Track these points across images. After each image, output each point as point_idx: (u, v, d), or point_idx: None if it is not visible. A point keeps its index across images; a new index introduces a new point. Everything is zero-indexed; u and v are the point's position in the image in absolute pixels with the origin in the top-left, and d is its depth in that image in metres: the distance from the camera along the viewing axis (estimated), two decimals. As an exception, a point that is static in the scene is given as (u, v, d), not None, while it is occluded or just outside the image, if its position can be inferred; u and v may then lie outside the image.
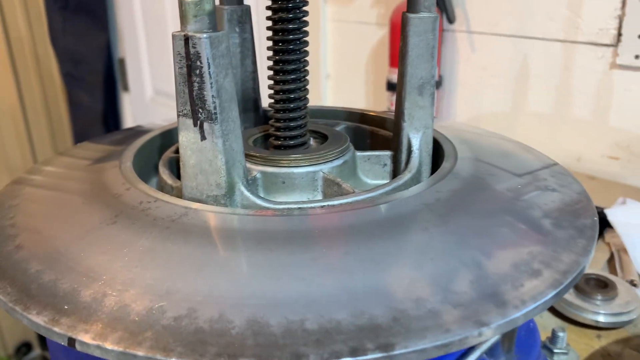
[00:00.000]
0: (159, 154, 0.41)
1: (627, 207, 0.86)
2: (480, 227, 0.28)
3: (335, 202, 0.30)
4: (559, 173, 0.38)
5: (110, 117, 2.38)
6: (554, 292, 0.25)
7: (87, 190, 0.33)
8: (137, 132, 0.46)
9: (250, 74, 0.42)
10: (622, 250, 0.77)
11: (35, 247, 0.28)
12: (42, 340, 2.55)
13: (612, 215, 0.82)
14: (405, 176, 0.34)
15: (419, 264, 0.24)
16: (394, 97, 1.11)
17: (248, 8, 0.41)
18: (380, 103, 1.39)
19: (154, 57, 2.17)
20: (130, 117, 2.43)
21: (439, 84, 1.25)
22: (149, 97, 2.27)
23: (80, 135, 2.38)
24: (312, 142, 0.40)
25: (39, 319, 0.24)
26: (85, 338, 0.23)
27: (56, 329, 0.23)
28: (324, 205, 0.30)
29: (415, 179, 0.35)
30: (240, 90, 0.42)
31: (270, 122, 0.38)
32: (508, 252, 0.27)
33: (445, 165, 0.34)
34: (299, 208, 0.30)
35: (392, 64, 1.24)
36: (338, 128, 0.44)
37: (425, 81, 0.35)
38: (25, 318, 0.24)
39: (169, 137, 0.42)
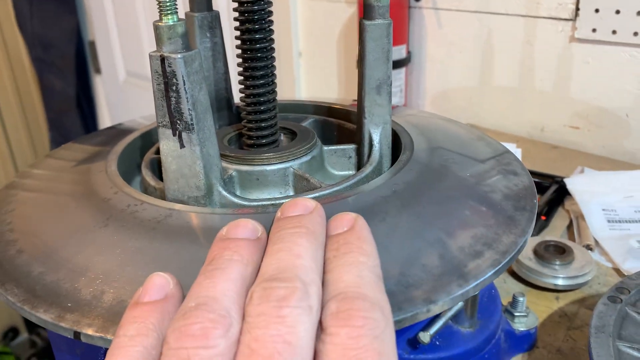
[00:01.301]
0: (141, 154, 0.44)
1: (584, 176, 0.91)
2: (430, 216, 0.32)
3: (304, 197, 0.34)
4: (508, 161, 0.42)
5: (84, 101, 2.37)
6: (492, 271, 0.29)
7: (79, 194, 0.36)
8: (120, 131, 0.49)
9: (222, 75, 0.45)
10: (580, 216, 0.82)
11: (35, 251, 0.32)
12: (29, 325, 2.57)
13: (571, 184, 0.87)
14: (367, 169, 0.38)
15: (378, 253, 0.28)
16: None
17: (217, 14, 0.44)
18: (352, 79, 1.42)
19: (125, 39, 2.16)
20: (103, 100, 2.42)
21: (407, 59, 1.28)
22: (122, 79, 2.26)
23: (54, 120, 2.37)
24: (282, 137, 0.44)
25: (47, 316, 0.27)
26: (89, 331, 0.26)
27: (62, 324, 0.27)
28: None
29: (377, 171, 0.39)
30: (214, 90, 0.46)
31: (243, 122, 0.41)
32: (455, 235, 0.32)
33: (402, 158, 0.38)
34: (272, 204, 0.34)
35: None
36: (307, 122, 0.47)
37: (382, 82, 0.38)
38: (34, 316, 0.28)
39: (148, 138, 0.45)
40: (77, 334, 0.26)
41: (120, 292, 0.28)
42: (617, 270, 0.72)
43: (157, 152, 0.42)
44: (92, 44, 2.33)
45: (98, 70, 2.37)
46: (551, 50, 1.09)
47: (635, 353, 0.48)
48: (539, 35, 1.09)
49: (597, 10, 1.00)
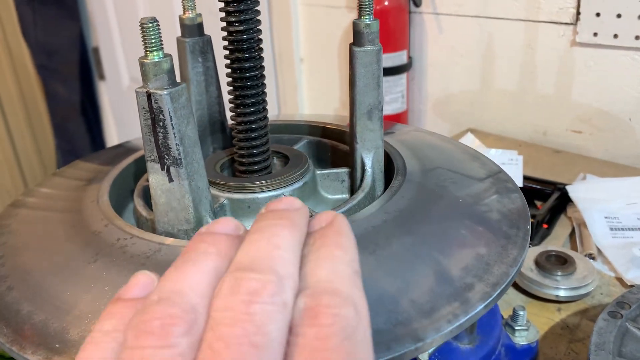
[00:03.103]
0: (135, 179, 0.44)
1: (587, 182, 0.91)
2: (420, 246, 0.32)
3: (294, 228, 0.34)
4: (502, 181, 0.42)
5: (89, 107, 2.38)
6: (482, 305, 0.29)
7: (69, 225, 0.36)
8: (126, 149, 0.49)
9: (215, 99, 0.45)
10: (583, 224, 0.82)
11: (24, 288, 0.32)
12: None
13: (573, 191, 0.86)
14: (359, 195, 0.38)
15: (366, 287, 0.28)
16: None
17: (209, 38, 0.44)
18: (353, 86, 1.42)
19: (128, 45, 2.17)
20: (108, 106, 2.43)
21: (409, 65, 1.27)
22: (126, 85, 2.27)
23: (59, 126, 2.38)
24: (275, 161, 0.43)
25: (34, 358, 0.27)
26: (77, 374, 0.26)
27: (51, 367, 0.27)
28: (284, 232, 0.34)
29: (370, 196, 0.39)
30: (207, 114, 0.45)
31: (235, 148, 0.41)
32: (445, 268, 0.31)
33: (394, 183, 0.38)
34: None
35: (363, 48, 1.26)
36: (300, 143, 0.47)
37: (373, 107, 0.38)
38: (22, 357, 0.28)
39: (142, 163, 0.45)
40: (64, 377, 0.26)
41: (109, 333, 0.28)
42: (620, 280, 0.72)
43: (150, 179, 0.42)
44: (96, 50, 2.33)
45: (102, 77, 2.38)
46: (552, 54, 1.08)
47: (635, 371, 0.47)
48: (540, 39, 1.09)
49: (598, 14, 0.99)
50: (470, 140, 1.09)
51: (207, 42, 0.44)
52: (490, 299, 0.30)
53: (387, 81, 1.23)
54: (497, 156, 0.99)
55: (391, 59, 1.22)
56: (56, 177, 0.46)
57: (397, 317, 0.28)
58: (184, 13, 0.42)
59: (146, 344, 0.20)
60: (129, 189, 0.43)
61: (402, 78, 1.26)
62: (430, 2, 1.22)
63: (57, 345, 0.28)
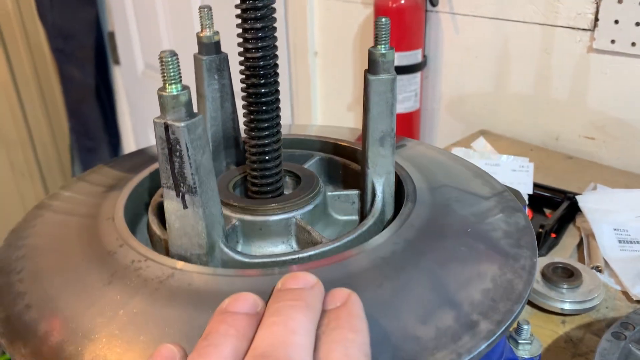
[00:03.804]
0: (149, 194, 0.45)
1: (597, 193, 0.91)
2: (427, 280, 0.33)
3: (304, 255, 0.35)
4: (507, 200, 0.43)
5: (103, 91, 2.39)
6: (486, 343, 0.30)
7: (86, 243, 0.37)
8: (148, 157, 0.50)
9: (229, 115, 0.46)
10: (591, 235, 0.82)
11: (42, 308, 0.33)
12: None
13: (582, 201, 0.86)
14: (369, 221, 0.39)
15: (372, 322, 0.29)
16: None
17: (225, 56, 0.44)
18: (367, 82, 1.42)
19: (144, 30, 2.17)
20: (122, 91, 2.44)
21: (423, 64, 1.27)
22: (140, 70, 2.28)
23: (74, 109, 2.40)
24: (287, 180, 0.44)
25: (51, 381, 0.28)
26: (92, 402, 0.27)
27: (66, 392, 0.28)
28: (295, 259, 0.35)
29: (380, 221, 0.40)
30: (222, 130, 0.46)
31: (248, 169, 0.41)
32: (451, 303, 0.32)
33: (404, 210, 0.39)
34: (275, 262, 0.34)
35: (377, 45, 1.26)
36: (312, 161, 0.48)
37: (386, 134, 0.39)
38: (40, 380, 0.29)
39: (156, 178, 0.46)
40: (79, 403, 0.28)
41: (122, 359, 0.29)
42: (626, 294, 0.72)
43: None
44: (112, 35, 2.34)
45: (117, 61, 2.39)
46: (568, 59, 1.07)
47: (636, 394, 0.48)
48: (557, 44, 1.08)
49: (616, 22, 0.98)
50: (482, 145, 1.09)
51: (224, 60, 0.44)
52: (495, 336, 0.30)
53: (401, 79, 1.23)
54: (509, 163, 0.99)
55: (406, 58, 1.22)
56: (80, 182, 0.47)
57: (402, 355, 0.29)
58: (202, 31, 0.43)
59: None
60: (144, 202, 0.44)
61: (416, 77, 1.26)
62: (447, 2, 1.21)
63: (73, 370, 0.29)
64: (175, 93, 0.31)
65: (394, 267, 0.34)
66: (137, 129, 2.48)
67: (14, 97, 2.38)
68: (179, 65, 0.31)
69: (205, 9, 0.42)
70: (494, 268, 0.35)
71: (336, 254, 0.35)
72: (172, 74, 0.30)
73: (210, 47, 0.43)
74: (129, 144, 2.58)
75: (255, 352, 0.25)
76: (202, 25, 0.43)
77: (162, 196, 0.42)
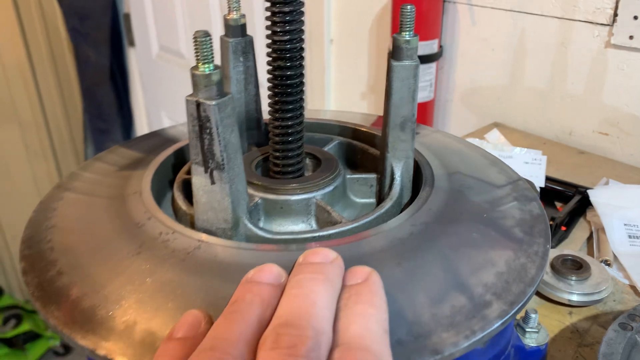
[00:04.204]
0: (173, 171, 0.46)
1: (608, 188, 0.91)
2: (443, 261, 0.34)
3: (324, 233, 0.36)
4: (521, 188, 0.44)
5: (117, 73, 2.41)
6: (499, 322, 0.31)
7: (114, 216, 0.39)
8: (163, 139, 0.51)
9: (253, 97, 0.47)
10: (601, 229, 0.83)
11: (74, 274, 0.34)
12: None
13: (594, 195, 0.87)
14: (387, 204, 0.40)
15: (390, 299, 0.30)
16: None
17: (251, 39, 0.45)
18: (381, 69, 1.42)
19: (159, 13, 2.18)
20: (137, 73, 2.46)
21: (439, 54, 1.27)
22: (155, 53, 2.29)
23: (88, 90, 2.42)
24: (307, 161, 0.45)
25: (84, 343, 0.30)
26: (123, 360, 0.29)
27: (98, 352, 0.29)
28: (315, 237, 0.36)
29: (397, 204, 0.41)
30: (245, 111, 0.47)
31: (271, 150, 0.43)
32: (467, 284, 0.33)
33: (422, 194, 0.40)
34: (295, 240, 0.36)
35: (395, 32, 1.26)
36: (331, 144, 0.49)
37: (407, 119, 0.40)
38: (72, 341, 0.30)
39: (181, 155, 0.47)
40: (110, 362, 0.29)
41: (151, 324, 0.30)
42: (634, 288, 0.73)
43: (189, 172, 0.44)
44: (127, 17, 2.35)
45: (132, 43, 2.40)
46: (585, 54, 1.07)
47: (640, 383, 0.49)
48: (574, 38, 1.08)
49: (635, 17, 0.98)
50: (495, 137, 1.09)
51: (249, 43, 0.45)
52: (507, 316, 0.32)
53: (416, 69, 1.23)
54: (522, 155, 1.00)
55: (422, 47, 1.22)
56: (97, 162, 0.48)
57: (418, 330, 0.30)
58: (229, 14, 0.44)
59: None
60: (168, 179, 0.46)
61: (432, 67, 1.26)
62: (465, -7, 1.21)
63: (104, 333, 0.30)
64: (207, 72, 0.32)
65: (411, 248, 0.35)
66: (150, 111, 2.50)
67: (30, 77, 2.40)
68: (212, 46, 0.32)
69: (233, -8, 0.43)
70: (508, 253, 0.36)
71: (355, 234, 0.36)
72: (205, 54, 0.31)
73: (236, 30, 0.44)
74: (142, 126, 2.60)
75: (278, 320, 0.26)
76: (229, 8, 0.44)
77: (187, 173, 0.44)
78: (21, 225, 0.40)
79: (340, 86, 1.58)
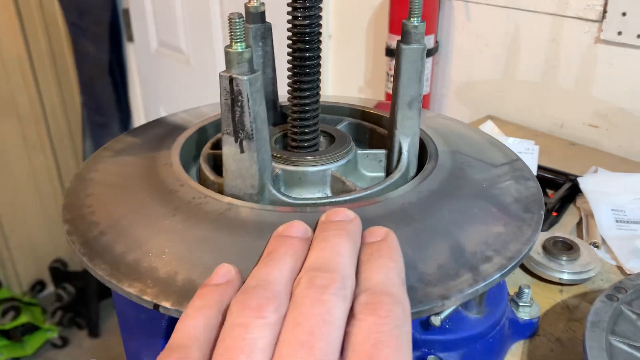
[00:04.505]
0: (196, 148, 0.50)
1: (597, 176, 0.96)
2: (449, 222, 0.38)
3: (340, 199, 0.40)
4: (519, 168, 0.48)
5: (116, 68, 2.44)
6: (499, 274, 0.35)
7: (148, 184, 0.42)
8: (168, 126, 0.54)
9: (270, 80, 0.51)
10: (590, 215, 0.87)
11: (115, 234, 0.38)
12: (56, 279, 2.70)
13: (583, 183, 0.91)
14: (396, 175, 0.44)
15: (403, 253, 0.34)
16: (393, 62, 1.20)
17: (269, 25, 0.49)
18: (379, 66, 1.47)
19: (158, 8, 2.20)
20: (135, 68, 2.48)
21: (435, 49, 1.32)
22: (154, 48, 2.32)
23: (86, 84, 2.44)
24: (322, 139, 0.49)
25: (131, 290, 0.34)
26: (167, 304, 0.33)
27: (145, 298, 0.33)
28: (332, 202, 0.40)
29: (404, 176, 0.45)
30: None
31: (289, 126, 0.47)
32: (469, 242, 0.37)
33: (427, 167, 0.44)
34: (310, 204, 0.40)
35: (392, 30, 1.30)
36: (343, 124, 0.53)
37: (414, 98, 0.44)
38: (120, 289, 0.34)
39: (204, 133, 0.51)
40: (156, 306, 0.33)
41: (190, 274, 0.34)
42: (620, 269, 0.77)
43: (213, 147, 0.48)
44: (126, 12, 2.38)
45: (131, 38, 2.43)
46: (576, 49, 1.12)
47: (625, 347, 0.53)
48: (566, 34, 1.13)
49: (624, 14, 1.03)
50: (489, 128, 1.13)
51: (268, 29, 0.49)
52: (506, 269, 0.36)
53: (413, 64, 1.27)
54: (515, 145, 1.04)
55: (418, 43, 1.26)
56: (105, 151, 0.51)
57: (428, 278, 0.34)
58: (250, 1, 0.48)
59: (247, 315, 0.28)
60: (192, 155, 0.49)
61: (428, 62, 1.30)
62: (461, -10, 1.26)
63: (149, 281, 0.34)
64: (240, 50, 0.35)
65: (419, 210, 0.39)
66: (147, 106, 2.53)
67: (29, 71, 2.42)
68: (244, 26, 0.35)
69: (254, -18, 0.47)
70: (507, 218, 0.40)
71: (367, 200, 0.40)
72: (238, 34, 0.35)
73: (256, 17, 0.48)
74: (140, 121, 2.62)
75: (310, 266, 0.30)
76: (249, -5, 0.47)
77: (211, 148, 0.47)
78: (20, 218, 0.44)
79: (338, 81, 1.62)
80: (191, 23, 2.05)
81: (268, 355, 0.27)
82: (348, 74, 1.59)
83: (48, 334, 2.52)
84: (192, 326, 0.29)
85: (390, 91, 1.31)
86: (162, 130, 0.53)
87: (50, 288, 2.76)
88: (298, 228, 0.33)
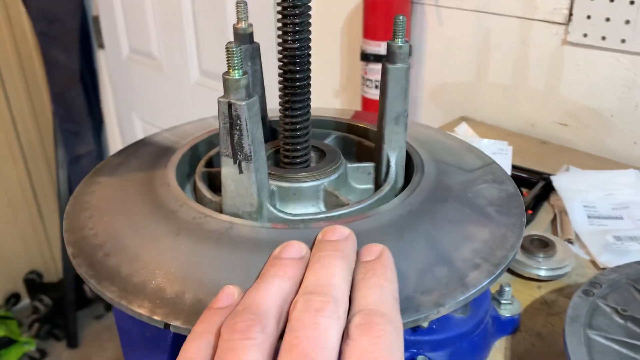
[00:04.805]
0: (189, 166, 0.51)
1: (569, 174, 0.99)
2: (439, 233, 0.41)
3: (334, 214, 0.42)
4: (495, 171, 0.51)
5: (87, 76, 2.41)
6: (488, 280, 0.38)
7: (148, 205, 0.44)
8: (160, 147, 0.55)
9: (259, 98, 0.52)
10: (563, 212, 0.90)
11: (121, 255, 0.39)
12: (31, 291, 2.66)
13: (556, 181, 0.95)
14: (385, 188, 0.46)
15: (398, 265, 0.36)
16: (368, 67, 1.22)
17: (258, 45, 0.51)
18: (354, 71, 1.49)
19: (129, 15, 2.19)
20: (106, 75, 2.46)
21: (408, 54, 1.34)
22: (125, 55, 2.30)
23: (58, 93, 2.41)
24: (312, 154, 0.51)
25: (141, 310, 0.35)
26: (177, 323, 0.34)
27: (155, 317, 0.35)
28: (328, 217, 0.42)
29: (393, 188, 0.47)
30: (252, 111, 0.53)
31: (281, 143, 0.48)
32: (459, 250, 0.40)
33: (415, 179, 0.46)
34: (310, 219, 0.42)
35: (366, 35, 1.33)
36: (330, 138, 0.55)
37: (400, 114, 0.46)
38: (130, 310, 0.36)
39: (195, 152, 0.52)
40: (167, 325, 0.34)
41: (198, 293, 0.36)
42: (594, 263, 0.81)
43: (206, 165, 0.50)
44: (96, 19, 2.36)
45: (101, 46, 2.41)
46: (544, 51, 1.16)
47: (602, 340, 0.56)
48: (534, 36, 1.16)
49: (589, 17, 1.07)
50: (464, 129, 1.17)
51: (256, 49, 0.51)
52: (494, 276, 0.38)
53: (388, 68, 1.30)
54: (489, 146, 1.07)
55: (392, 47, 1.29)
56: (97, 173, 0.52)
57: (423, 288, 0.36)
58: (238, 23, 0.49)
59: (235, 337, 0.30)
60: (185, 173, 0.51)
61: (402, 66, 1.33)
62: (432, -5, 1.29)
63: (158, 301, 0.35)
64: (237, 77, 0.37)
65: (410, 223, 0.41)
66: (120, 113, 2.51)
67: (-4, 81, 2.38)
68: (242, 55, 0.37)
69: (242, 4, 0.49)
70: (491, 225, 0.43)
71: (361, 214, 0.42)
72: (235, 62, 0.37)
73: (245, 38, 0.50)
74: (113, 128, 2.60)
75: (305, 289, 0.32)
76: (238, 18, 0.49)
77: (205, 166, 0.49)
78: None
79: (313, 85, 1.64)
80: (163, 29, 2.04)
81: None
82: (323, 78, 1.61)
83: (25, 347, 2.49)
84: (195, 349, 0.31)
85: (366, 95, 1.34)
86: (151, 150, 0.54)
87: (26, 300, 2.72)
88: (292, 248, 0.35)
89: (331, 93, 1.59)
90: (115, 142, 2.63)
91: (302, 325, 0.30)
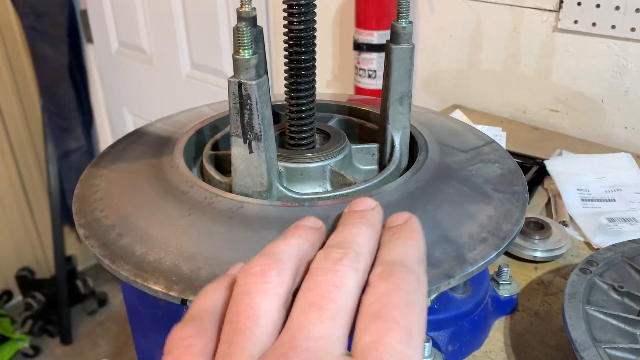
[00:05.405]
0: (195, 149, 0.52)
1: (562, 158, 1.01)
2: (447, 208, 0.41)
3: (342, 192, 0.43)
4: (496, 149, 0.52)
5: (76, 70, 2.40)
6: (495, 253, 0.38)
7: (159, 187, 0.44)
8: (156, 136, 0.55)
9: (263, 81, 0.53)
10: (557, 195, 0.92)
11: (133, 235, 0.40)
12: (24, 288, 2.64)
13: (550, 165, 0.96)
14: (391, 167, 0.47)
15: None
16: (361, 56, 1.22)
17: (261, 29, 0.51)
18: (347, 61, 1.49)
19: (118, 8, 2.18)
20: (95, 70, 2.45)
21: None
22: (114, 49, 2.29)
23: (46, 88, 2.40)
24: (317, 137, 0.52)
25: (158, 287, 0.36)
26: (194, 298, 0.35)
27: (172, 294, 0.35)
28: (336, 195, 0.42)
29: (398, 168, 0.48)
30: (256, 94, 0.53)
31: (287, 125, 0.49)
32: (467, 226, 0.40)
33: (420, 158, 0.47)
34: (319, 198, 0.42)
35: (358, 24, 1.33)
36: (333, 121, 0.55)
37: (404, 94, 0.47)
38: (146, 287, 0.36)
39: (200, 136, 0.53)
40: (184, 301, 0.35)
41: (213, 268, 0.36)
42: (589, 244, 0.82)
43: (212, 148, 0.50)
44: (84, 13, 2.34)
45: (90, 40, 2.39)
46: (535, 38, 1.17)
47: (600, 315, 0.58)
48: (525, 24, 1.18)
49: (579, 4, 1.08)
50: (458, 116, 1.18)
51: (260, 33, 0.51)
52: (501, 249, 0.39)
53: (380, 57, 1.30)
54: (484, 132, 1.08)
55: (384, 36, 1.30)
56: (101, 161, 0.52)
57: (434, 261, 0.37)
58: (241, 7, 0.50)
59: (250, 281, 0.29)
60: (192, 156, 0.51)
61: (394, 55, 1.34)
62: (424, -16, 1.29)
63: (174, 278, 0.36)
64: (247, 57, 0.38)
65: (420, 197, 0.42)
66: (110, 108, 2.50)
67: (-17, 75, 2.36)
68: (251, 34, 0.38)
69: (245, -12, 0.49)
70: (496, 201, 0.44)
71: (369, 191, 0.43)
72: (245, 41, 0.37)
73: (248, 21, 0.50)
74: (103, 122, 2.59)
75: (327, 245, 0.32)
76: (241, 2, 0.49)
77: (211, 149, 0.49)
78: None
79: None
80: (153, 22, 2.03)
81: (276, 317, 0.28)
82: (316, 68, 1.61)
83: (19, 344, 2.47)
84: (209, 299, 0.31)
85: (359, 85, 1.34)
86: (150, 139, 0.54)
87: (18, 297, 2.71)
88: (310, 219, 0.35)
89: (324, 83, 1.60)
90: (105, 137, 2.62)
91: (320, 272, 0.29)
